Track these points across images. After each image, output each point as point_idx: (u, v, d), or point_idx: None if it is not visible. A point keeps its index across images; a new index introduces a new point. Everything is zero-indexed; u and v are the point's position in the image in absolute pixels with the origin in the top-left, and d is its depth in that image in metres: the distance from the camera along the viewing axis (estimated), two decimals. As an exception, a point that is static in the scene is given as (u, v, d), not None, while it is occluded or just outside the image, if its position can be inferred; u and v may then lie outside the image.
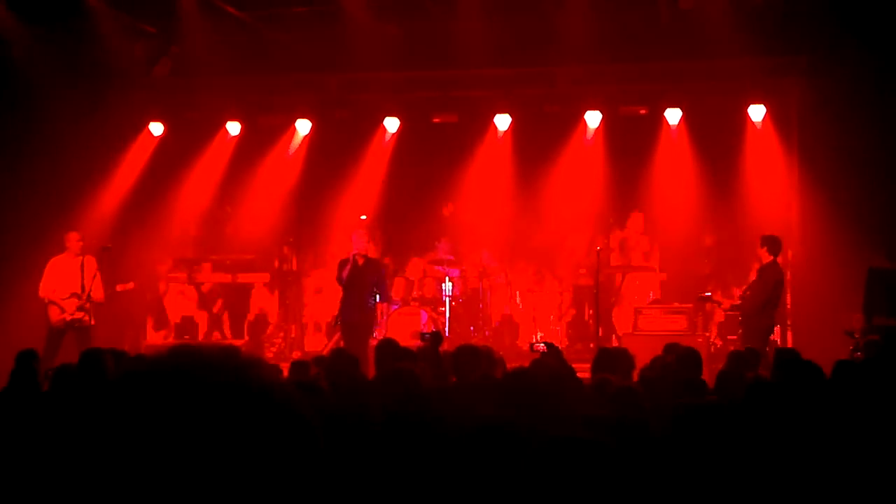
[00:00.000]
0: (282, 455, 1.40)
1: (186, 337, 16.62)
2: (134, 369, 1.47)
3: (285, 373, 8.87)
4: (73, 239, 14.20)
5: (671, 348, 9.41)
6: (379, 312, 13.61)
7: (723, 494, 4.36)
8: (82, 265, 13.98)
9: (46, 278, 14.08)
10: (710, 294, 14.98)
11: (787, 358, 8.20)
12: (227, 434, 1.39)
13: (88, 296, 13.86)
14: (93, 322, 13.97)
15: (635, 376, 8.65)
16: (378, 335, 12.84)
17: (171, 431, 1.39)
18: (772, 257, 13.38)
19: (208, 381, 1.44)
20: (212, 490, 1.36)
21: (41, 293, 14.06)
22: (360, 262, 13.48)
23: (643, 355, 9.32)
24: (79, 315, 13.89)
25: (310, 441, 1.44)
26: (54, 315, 13.94)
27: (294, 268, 17.61)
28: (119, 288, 14.41)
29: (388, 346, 9.17)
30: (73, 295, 13.92)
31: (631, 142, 16.59)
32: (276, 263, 17.67)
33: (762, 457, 4.65)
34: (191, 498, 1.36)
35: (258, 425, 1.41)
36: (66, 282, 14.00)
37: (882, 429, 5.34)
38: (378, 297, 13.60)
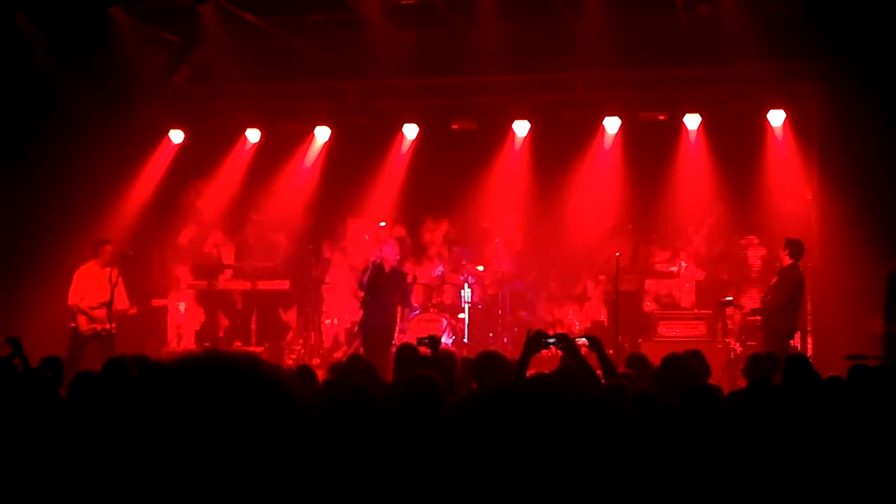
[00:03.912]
0: (284, 435, 1.54)
1: (206, 344, 16.67)
2: (154, 370, 1.60)
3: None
4: (107, 250, 14.26)
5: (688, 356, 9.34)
6: (399, 317, 13.73)
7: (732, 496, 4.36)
8: (110, 276, 14.06)
9: (75, 287, 14.16)
10: (731, 298, 14.94)
11: (797, 365, 8.16)
12: (238, 420, 1.52)
13: (111, 306, 13.97)
14: (114, 330, 14.07)
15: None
16: (399, 341, 12.88)
17: (191, 417, 1.50)
18: (792, 260, 13.36)
19: (222, 377, 1.58)
20: (223, 464, 1.48)
21: (70, 301, 14.13)
22: (387, 269, 13.56)
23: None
24: (108, 325, 14.00)
25: (306, 423, 1.58)
26: (84, 324, 14.03)
27: (314, 275, 17.65)
28: (155, 303, 14.45)
29: (407, 351, 9.19)
30: (103, 305, 13.99)
31: (650, 147, 16.57)
32: (296, 270, 17.73)
33: (771, 461, 4.65)
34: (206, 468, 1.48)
35: (264, 412, 1.54)
36: (94, 291, 14.08)
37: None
38: (400, 303, 13.73)
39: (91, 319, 14.04)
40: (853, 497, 4.64)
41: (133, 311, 14.34)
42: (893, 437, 5.33)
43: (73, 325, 14.13)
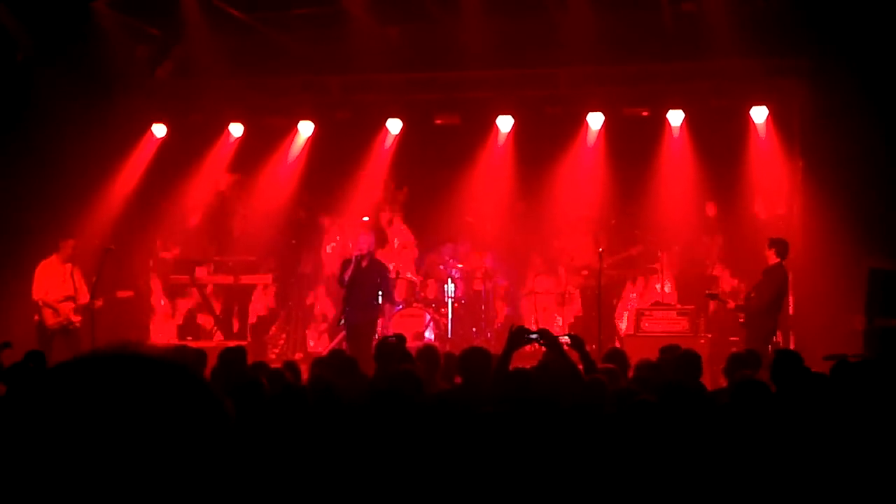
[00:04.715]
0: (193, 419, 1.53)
1: (189, 338, 16.62)
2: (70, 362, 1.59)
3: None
4: (69, 246, 14.25)
5: (668, 350, 9.41)
6: (383, 312, 13.70)
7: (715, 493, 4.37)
8: (72, 271, 14.08)
9: (38, 282, 14.14)
10: (717, 293, 14.94)
11: (786, 360, 8.18)
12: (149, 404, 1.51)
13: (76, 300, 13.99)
14: (79, 325, 14.06)
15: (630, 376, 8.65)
16: (382, 335, 12.85)
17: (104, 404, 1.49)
18: (778, 259, 13.37)
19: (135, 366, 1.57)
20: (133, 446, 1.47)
21: (35, 296, 14.12)
22: (364, 263, 13.48)
23: (646, 356, 9.32)
24: (74, 318, 14.00)
25: (212, 407, 1.57)
26: (49, 318, 14.01)
27: (296, 269, 17.62)
28: (119, 294, 14.38)
29: (387, 346, 9.20)
30: (68, 298, 14.00)
31: (633, 143, 16.59)
32: (279, 265, 17.70)
33: (753, 457, 4.66)
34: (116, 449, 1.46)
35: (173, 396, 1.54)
36: (56, 286, 14.08)
37: (880, 430, 5.34)
38: (381, 297, 13.64)
39: (57, 313, 14.02)
40: (837, 492, 4.66)
41: (97, 304, 14.24)
42: (880, 431, 5.34)
43: (37, 319, 14.10)
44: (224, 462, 1.53)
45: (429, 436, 4.41)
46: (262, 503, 4.23)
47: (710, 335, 15.01)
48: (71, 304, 14.07)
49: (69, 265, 14.21)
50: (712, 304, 15.30)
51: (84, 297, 14.18)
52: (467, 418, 4.63)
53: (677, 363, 8.59)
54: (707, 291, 14.83)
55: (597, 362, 8.60)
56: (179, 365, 1.58)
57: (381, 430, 4.68)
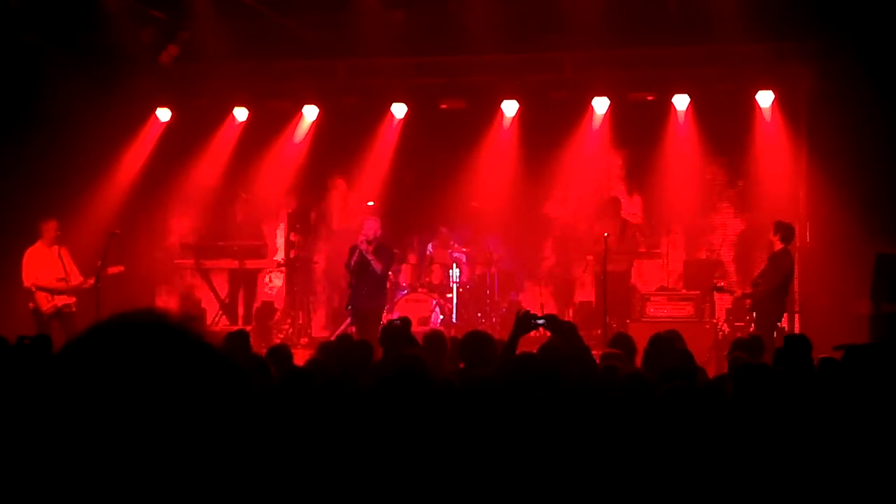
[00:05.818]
0: (217, 393, 1.49)
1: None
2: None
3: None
4: (51, 228, 14.14)
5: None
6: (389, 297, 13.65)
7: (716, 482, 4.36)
8: (59, 253, 14.04)
9: (27, 268, 14.07)
10: (722, 284, 14.94)
11: (795, 345, 8.17)
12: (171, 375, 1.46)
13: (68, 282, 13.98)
14: (74, 308, 14.03)
15: (637, 361, 8.64)
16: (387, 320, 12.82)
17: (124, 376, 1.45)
18: (783, 245, 13.37)
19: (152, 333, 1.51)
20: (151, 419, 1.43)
21: (26, 283, 14.04)
22: (369, 248, 13.43)
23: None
24: (69, 300, 13.98)
25: (239, 381, 1.53)
26: (44, 303, 13.97)
27: (301, 254, 17.60)
28: (110, 271, 14.26)
29: (392, 330, 9.18)
30: (61, 281, 13.98)
31: (639, 128, 16.56)
32: (284, 250, 17.69)
33: (753, 445, 4.65)
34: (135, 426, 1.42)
35: (196, 367, 1.50)
36: (47, 270, 14.02)
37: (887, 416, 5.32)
38: (378, 270, 13.43)
39: (52, 296, 13.99)
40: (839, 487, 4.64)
41: (90, 282, 14.12)
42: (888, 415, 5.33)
43: (31, 305, 14.06)
44: (245, 426, 1.50)
45: (446, 419, 4.40)
46: (280, 490, 4.22)
47: (715, 320, 15.02)
48: (64, 287, 14.04)
49: (55, 247, 14.13)
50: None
51: (76, 279, 14.16)
52: (506, 402, 4.62)
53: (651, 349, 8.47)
54: (713, 285, 14.78)
55: (602, 347, 8.60)
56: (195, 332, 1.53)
57: (395, 414, 4.67)
